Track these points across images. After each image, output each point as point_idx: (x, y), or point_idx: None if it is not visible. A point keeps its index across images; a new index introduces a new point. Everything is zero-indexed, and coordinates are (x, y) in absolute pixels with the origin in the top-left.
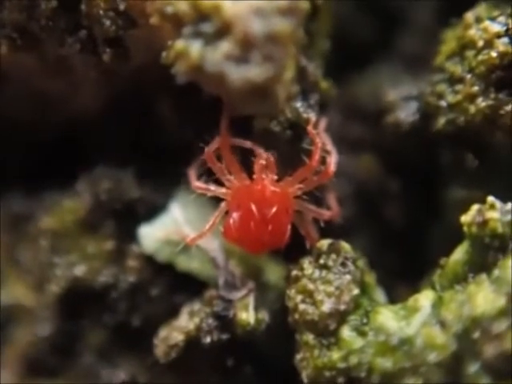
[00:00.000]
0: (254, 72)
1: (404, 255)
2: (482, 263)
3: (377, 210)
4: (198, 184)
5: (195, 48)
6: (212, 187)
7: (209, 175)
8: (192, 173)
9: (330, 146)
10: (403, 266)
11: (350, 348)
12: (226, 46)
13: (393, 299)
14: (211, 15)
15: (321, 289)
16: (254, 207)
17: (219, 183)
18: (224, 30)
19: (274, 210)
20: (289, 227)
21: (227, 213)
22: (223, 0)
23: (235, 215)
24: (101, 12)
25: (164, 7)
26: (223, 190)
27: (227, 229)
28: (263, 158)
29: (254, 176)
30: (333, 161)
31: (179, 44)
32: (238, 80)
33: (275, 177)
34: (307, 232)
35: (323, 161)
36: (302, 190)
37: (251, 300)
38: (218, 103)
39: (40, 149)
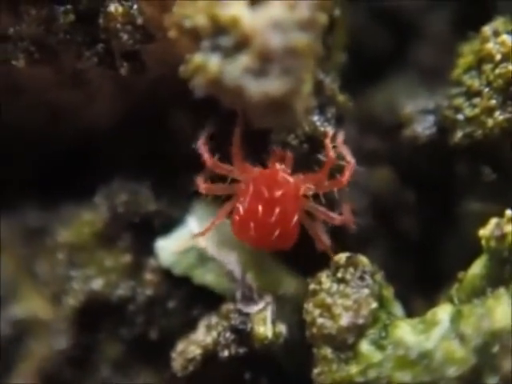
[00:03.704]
0: (272, 85)
1: (419, 267)
2: (500, 277)
3: (392, 223)
4: (205, 185)
5: (214, 62)
6: (221, 185)
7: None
8: (199, 179)
9: (349, 157)
10: (418, 278)
11: (368, 362)
12: (244, 60)
13: (408, 311)
14: (230, 28)
15: (339, 303)
16: (262, 188)
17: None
18: (242, 44)
19: (282, 192)
20: (296, 217)
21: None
22: (242, 13)
23: (244, 199)
24: (118, 26)
25: (182, 21)
26: (233, 185)
27: (236, 213)
28: (280, 152)
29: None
30: (348, 171)
31: (197, 58)
32: (257, 93)
33: (289, 170)
34: (317, 236)
35: (341, 170)
36: (313, 191)
37: (268, 313)
38: (234, 115)
39: (56, 161)
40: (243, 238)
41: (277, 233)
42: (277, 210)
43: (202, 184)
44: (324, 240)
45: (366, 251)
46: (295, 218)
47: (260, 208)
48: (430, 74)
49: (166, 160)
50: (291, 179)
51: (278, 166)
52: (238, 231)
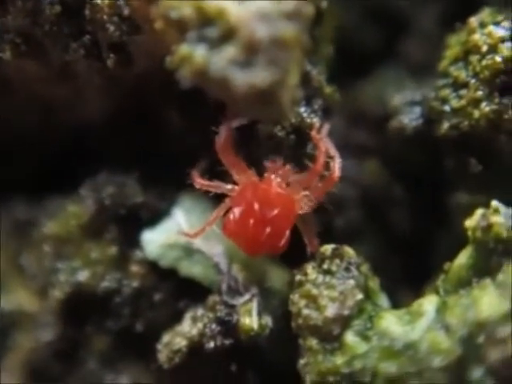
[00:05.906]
0: (258, 76)
1: (408, 260)
2: (486, 268)
3: (381, 215)
4: (201, 181)
5: (199, 52)
6: (216, 183)
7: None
8: (195, 172)
9: (333, 151)
10: (408, 271)
11: (354, 353)
12: (230, 51)
13: (397, 304)
14: (216, 20)
15: (324, 294)
16: (256, 205)
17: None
18: (229, 35)
19: (276, 212)
20: (287, 233)
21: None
22: (228, 4)
23: (236, 210)
24: (105, 17)
25: (168, 12)
26: (229, 186)
27: (227, 222)
28: (279, 164)
29: (265, 175)
30: (337, 166)
31: (183, 49)
32: (243, 84)
33: (284, 184)
34: (309, 239)
35: (327, 166)
36: (308, 199)
37: (254, 305)
38: (223, 108)
39: (44, 154)
40: (233, 241)
41: (267, 246)
42: (268, 229)
43: (197, 178)
44: (315, 243)
45: (354, 244)
46: (288, 233)
47: (252, 223)
48: (418, 67)
49: (153, 152)
50: (286, 193)
51: (273, 178)
52: (228, 236)
